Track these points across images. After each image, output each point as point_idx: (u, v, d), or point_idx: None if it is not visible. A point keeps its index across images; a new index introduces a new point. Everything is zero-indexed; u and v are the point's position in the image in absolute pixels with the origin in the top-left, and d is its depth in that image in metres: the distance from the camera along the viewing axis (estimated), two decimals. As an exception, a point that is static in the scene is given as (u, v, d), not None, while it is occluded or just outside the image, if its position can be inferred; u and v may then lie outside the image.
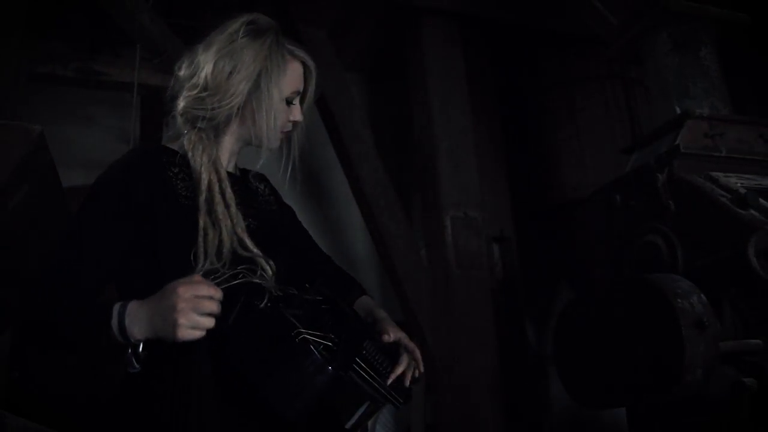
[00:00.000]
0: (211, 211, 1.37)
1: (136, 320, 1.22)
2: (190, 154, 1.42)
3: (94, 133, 3.89)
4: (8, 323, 2.52)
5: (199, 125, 1.45)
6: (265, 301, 1.26)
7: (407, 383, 1.48)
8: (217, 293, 1.22)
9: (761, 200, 2.26)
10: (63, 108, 3.81)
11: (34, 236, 2.17)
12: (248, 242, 1.39)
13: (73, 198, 2.41)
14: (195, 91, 1.44)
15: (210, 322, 1.21)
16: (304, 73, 1.56)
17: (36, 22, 3.34)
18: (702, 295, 2.07)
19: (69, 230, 1.36)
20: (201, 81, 1.44)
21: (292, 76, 1.52)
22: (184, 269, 1.29)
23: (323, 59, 3.82)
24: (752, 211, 2.21)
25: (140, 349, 1.23)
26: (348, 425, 1.35)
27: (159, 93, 3.69)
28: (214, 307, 1.21)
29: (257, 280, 1.34)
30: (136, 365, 1.23)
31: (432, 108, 3.69)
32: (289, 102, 1.53)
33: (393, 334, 1.52)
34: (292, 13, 3.86)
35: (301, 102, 1.58)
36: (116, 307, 1.23)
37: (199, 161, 1.41)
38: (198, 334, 1.20)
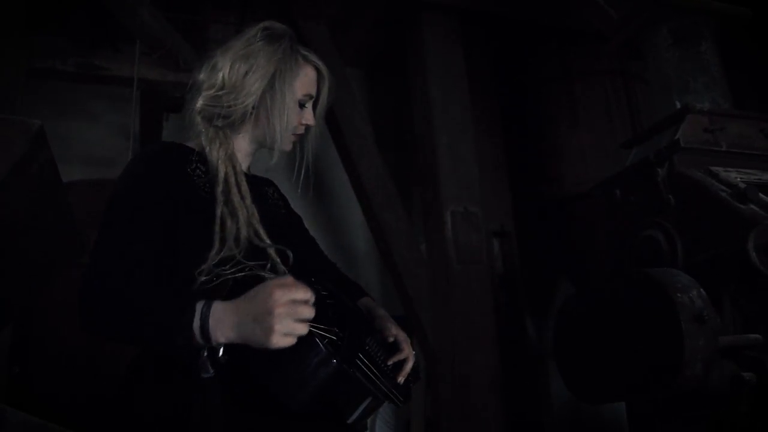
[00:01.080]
0: (227, 202, 1.41)
1: (221, 323, 1.17)
2: (207, 149, 1.47)
3: (94, 128, 3.89)
4: (9, 319, 2.52)
5: (215, 123, 1.51)
6: None
7: (400, 381, 1.50)
8: (312, 296, 1.19)
9: (761, 195, 2.25)
10: (63, 103, 3.82)
11: (34, 231, 2.18)
12: (263, 233, 1.42)
13: (72, 193, 2.42)
14: (212, 91, 1.51)
15: (304, 329, 1.17)
16: (318, 78, 1.61)
17: (36, 17, 3.34)
18: (702, 290, 2.07)
19: (107, 229, 1.33)
20: (218, 81, 1.50)
21: (305, 80, 1.57)
22: (200, 257, 1.32)
23: (323, 54, 3.81)
24: (752, 206, 2.21)
25: (220, 353, 1.18)
26: (350, 420, 1.36)
27: (158, 88, 3.70)
28: (311, 312, 1.18)
29: (263, 274, 1.35)
30: (211, 370, 1.18)
31: (432, 103, 3.69)
32: (301, 105, 1.57)
33: (394, 332, 1.56)
34: (293, 8, 3.86)
35: (315, 107, 1.62)
36: (200, 307, 1.17)
37: (216, 155, 1.46)
38: (291, 341, 1.16)
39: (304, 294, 1.18)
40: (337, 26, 4.08)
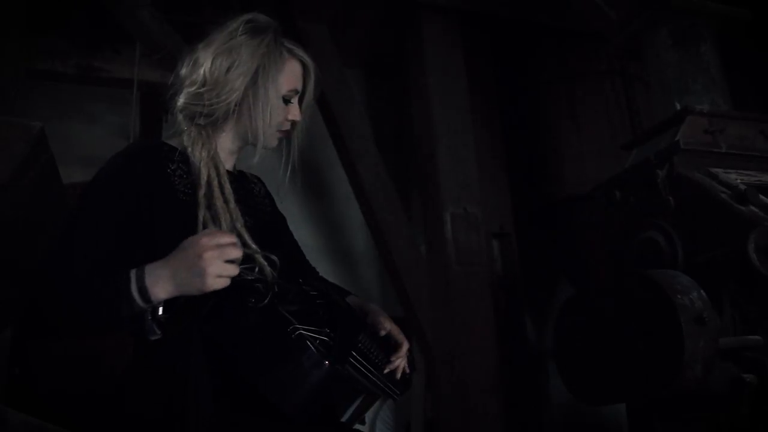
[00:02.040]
0: (210, 206, 1.38)
1: (157, 278, 1.20)
2: (189, 150, 1.44)
3: (94, 130, 3.89)
4: (9, 319, 2.52)
5: (198, 121, 1.47)
6: (260, 298, 1.27)
7: (398, 375, 1.50)
8: (237, 240, 1.24)
9: (761, 196, 2.26)
10: (63, 105, 3.81)
11: (34, 232, 2.18)
12: (247, 238, 1.40)
13: (73, 194, 2.42)
14: (194, 88, 1.47)
15: (235, 270, 1.21)
16: (303, 72, 1.57)
17: (36, 19, 3.34)
18: (702, 291, 2.07)
19: (66, 225, 1.35)
20: (200, 77, 1.46)
21: (289, 75, 1.53)
22: None
23: (323, 55, 3.82)
24: (752, 208, 2.21)
25: (160, 312, 1.22)
26: (344, 418, 1.36)
27: (158, 89, 3.69)
28: (239, 252, 1.22)
29: (251, 277, 1.34)
30: (158, 331, 1.22)
31: (432, 104, 3.69)
32: (286, 101, 1.54)
33: (387, 326, 1.55)
34: (292, 8, 3.86)
35: (301, 102, 1.59)
36: (133, 272, 1.21)
37: (199, 156, 1.43)
38: (224, 282, 1.20)
39: (229, 237, 1.23)
40: (336, 27, 4.08)
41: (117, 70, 3.71)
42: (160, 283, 1.20)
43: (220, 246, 1.20)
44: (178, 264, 1.21)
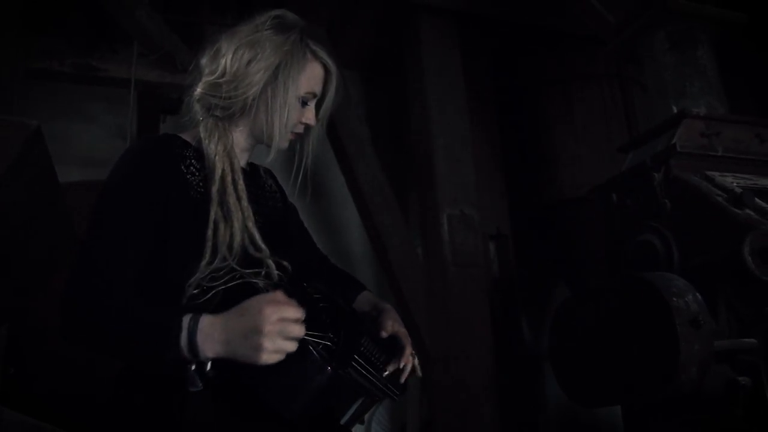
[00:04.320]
0: (222, 203, 1.35)
1: (209, 338, 1.15)
2: (205, 142, 1.41)
3: (91, 129, 3.89)
4: (4, 319, 2.52)
5: (214, 113, 1.44)
6: None
7: (402, 379, 1.49)
8: (303, 314, 1.18)
9: (757, 200, 2.26)
10: (60, 104, 3.81)
11: (30, 231, 2.17)
12: (258, 239, 1.38)
13: (69, 193, 2.41)
14: (213, 77, 1.43)
15: (293, 347, 1.16)
16: (325, 77, 1.53)
17: (33, 18, 3.34)
18: (697, 294, 2.08)
19: (94, 230, 1.29)
20: (220, 67, 1.43)
21: (310, 76, 1.49)
22: (189, 264, 1.28)
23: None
24: (748, 211, 2.21)
25: (208, 367, 1.17)
26: (343, 421, 1.35)
27: (156, 89, 3.70)
28: (301, 331, 1.17)
29: (257, 281, 1.33)
30: (200, 384, 1.17)
31: (429, 106, 3.69)
32: (303, 102, 1.50)
33: (390, 329, 1.53)
34: (289, 10, 3.85)
35: (319, 107, 1.55)
36: (186, 321, 1.16)
37: (214, 150, 1.40)
38: (280, 358, 1.15)
39: (295, 312, 1.16)
40: (334, 28, 4.08)
41: (114, 69, 3.70)
42: (211, 344, 1.15)
43: (283, 320, 1.15)
44: (234, 330, 1.15)
